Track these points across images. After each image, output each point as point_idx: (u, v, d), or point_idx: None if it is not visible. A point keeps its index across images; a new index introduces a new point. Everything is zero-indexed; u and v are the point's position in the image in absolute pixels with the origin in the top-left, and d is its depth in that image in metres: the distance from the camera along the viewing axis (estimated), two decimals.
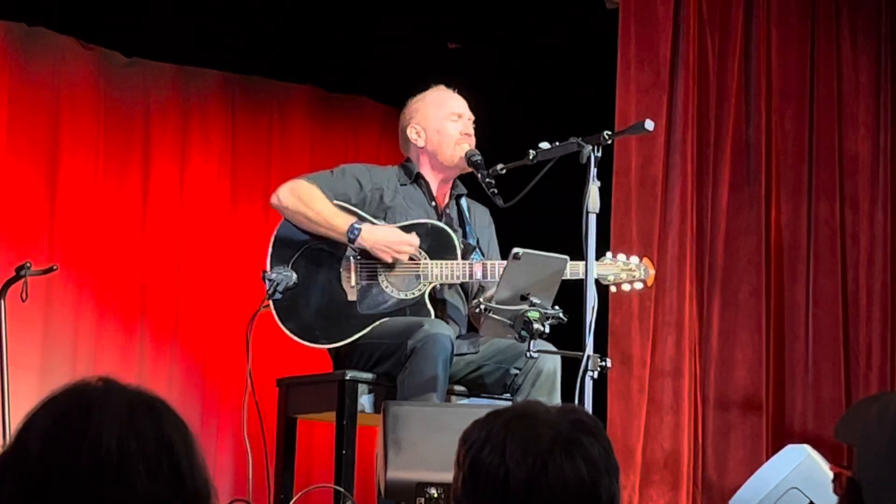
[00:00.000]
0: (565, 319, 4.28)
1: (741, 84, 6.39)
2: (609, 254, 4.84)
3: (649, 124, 4.42)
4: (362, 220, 4.73)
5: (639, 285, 4.83)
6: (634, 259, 4.84)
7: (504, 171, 4.66)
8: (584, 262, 4.21)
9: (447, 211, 4.93)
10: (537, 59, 7.01)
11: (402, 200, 4.85)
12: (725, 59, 6.39)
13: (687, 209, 6.22)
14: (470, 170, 4.86)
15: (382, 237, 4.68)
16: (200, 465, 1.72)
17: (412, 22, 6.89)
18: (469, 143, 4.88)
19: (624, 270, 4.79)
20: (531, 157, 4.49)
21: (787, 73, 6.45)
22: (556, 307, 4.30)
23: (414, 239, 4.69)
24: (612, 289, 4.82)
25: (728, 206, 6.33)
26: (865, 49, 6.51)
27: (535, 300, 4.26)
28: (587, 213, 4.20)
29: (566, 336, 4.44)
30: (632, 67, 6.26)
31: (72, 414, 1.69)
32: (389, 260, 4.67)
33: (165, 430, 1.70)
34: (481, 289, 4.80)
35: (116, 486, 1.64)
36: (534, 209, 4.92)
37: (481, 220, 5.01)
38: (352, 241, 4.67)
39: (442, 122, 4.91)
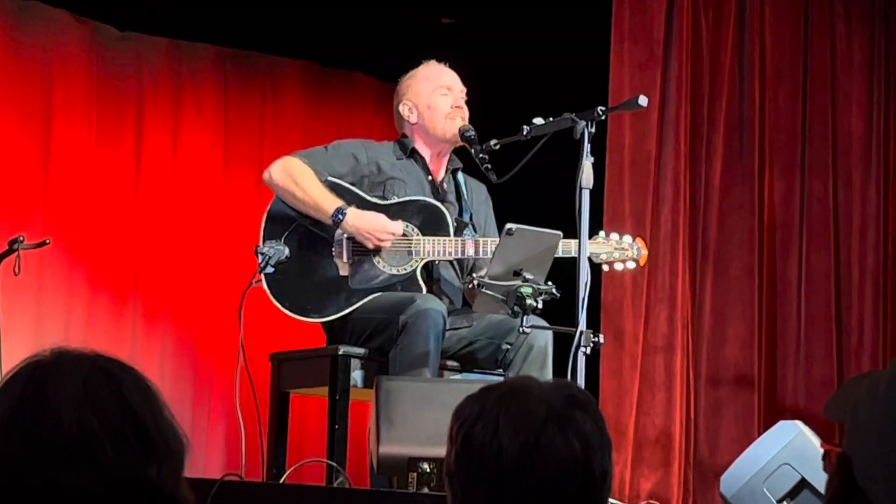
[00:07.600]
0: (558, 295, 4.29)
1: (735, 60, 6.39)
2: (602, 232, 4.83)
3: (643, 100, 4.42)
4: (358, 200, 4.72)
5: (631, 265, 4.83)
6: (627, 238, 4.83)
7: (497, 147, 4.66)
8: (576, 240, 4.21)
9: (444, 185, 4.93)
10: (531, 35, 6.99)
11: (399, 174, 4.84)
12: (719, 34, 6.38)
13: (680, 186, 6.22)
14: (463, 143, 4.86)
15: (366, 224, 4.65)
16: (169, 423, 1.68)
17: None
18: (461, 116, 4.87)
19: (617, 249, 4.79)
20: (525, 133, 4.49)
21: (781, 49, 6.44)
22: (549, 283, 4.31)
23: (398, 227, 4.67)
24: (605, 268, 4.81)
25: (721, 182, 6.33)
26: (859, 26, 6.50)
27: (527, 276, 4.27)
28: (581, 188, 4.20)
29: (559, 312, 4.45)
30: (625, 43, 6.25)
31: (27, 397, 1.65)
32: (371, 247, 4.65)
33: (125, 396, 1.65)
34: (476, 265, 4.80)
35: (83, 468, 1.60)
36: (527, 185, 4.92)
37: (478, 197, 5.00)
38: (336, 223, 4.65)
39: (432, 96, 4.91)
